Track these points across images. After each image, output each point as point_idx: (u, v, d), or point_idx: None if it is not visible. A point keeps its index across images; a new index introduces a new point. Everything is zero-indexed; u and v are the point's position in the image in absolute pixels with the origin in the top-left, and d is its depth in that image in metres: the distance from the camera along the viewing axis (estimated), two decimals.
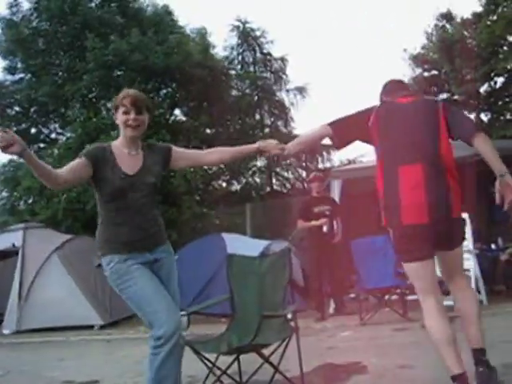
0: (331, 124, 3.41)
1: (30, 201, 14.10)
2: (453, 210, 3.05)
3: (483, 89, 19.79)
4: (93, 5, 15.30)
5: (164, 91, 16.03)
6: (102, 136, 13.03)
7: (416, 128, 3.13)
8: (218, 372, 3.49)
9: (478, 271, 6.61)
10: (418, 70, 21.61)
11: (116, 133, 13.25)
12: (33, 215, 13.16)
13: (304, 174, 20.69)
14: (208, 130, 17.61)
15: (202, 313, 4.79)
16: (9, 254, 9.94)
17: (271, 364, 3.48)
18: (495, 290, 7.30)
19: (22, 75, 15.48)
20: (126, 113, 2.99)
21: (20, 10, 15.02)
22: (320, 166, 20.43)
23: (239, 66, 20.53)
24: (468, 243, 6.76)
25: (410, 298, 7.23)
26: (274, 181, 20.67)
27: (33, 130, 15.79)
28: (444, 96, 21.14)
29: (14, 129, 15.17)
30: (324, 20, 37.78)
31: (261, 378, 3.66)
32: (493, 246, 8.03)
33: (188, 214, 13.53)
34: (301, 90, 20.64)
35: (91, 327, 8.53)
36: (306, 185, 19.32)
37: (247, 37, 20.42)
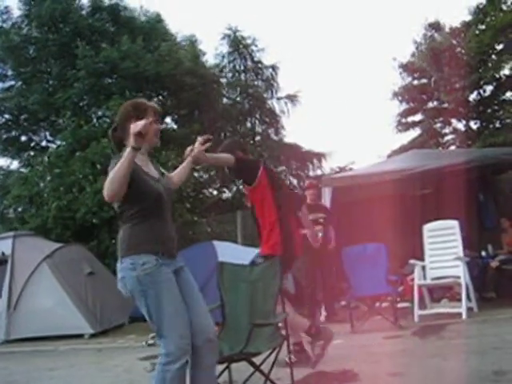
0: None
1: (20, 209, 14.02)
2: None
3: (472, 97, 19.97)
4: (84, 12, 15.31)
5: (155, 99, 16.03)
6: (93, 143, 13.00)
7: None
8: None
9: (468, 278, 6.63)
10: (408, 79, 21.76)
11: (107, 141, 13.27)
12: (22, 223, 13.08)
13: (295, 181, 20.70)
14: (199, 137, 17.59)
15: None
16: None
17: (262, 373, 3.47)
18: (485, 297, 7.33)
19: (12, 83, 15.46)
20: (155, 122, 3.07)
21: (10, 18, 15.04)
22: (311, 173, 20.45)
23: (230, 74, 20.54)
24: (458, 250, 6.79)
25: (400, 305, 7.26)
26: None
27: (23, 138, 15.74)
28: (433, 104, 21.31)
29: (4, 136, 15.14)
30: (315, 28, 38.00)
31: None
32: (483, 253, 8.06)
33: (179, 221, 13.50)
34: (292, 98, 20.68)
35: (81, 336, 8.47)
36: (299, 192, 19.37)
37: (238, 45, 20.44)
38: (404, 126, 22.07)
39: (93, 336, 8.49)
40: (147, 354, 6.15)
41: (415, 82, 21.67)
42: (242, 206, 16.99)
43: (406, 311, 7.01)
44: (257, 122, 20.86)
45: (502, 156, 8.05)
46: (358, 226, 8.34)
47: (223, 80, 19.84)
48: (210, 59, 18.80)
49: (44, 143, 16.08)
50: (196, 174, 17.01)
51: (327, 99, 36.61)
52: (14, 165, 15.66)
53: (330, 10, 37.19)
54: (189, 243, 10.23)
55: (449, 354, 4.61)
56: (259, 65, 20.71)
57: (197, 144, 3.64)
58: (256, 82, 20.75)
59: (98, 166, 12.31)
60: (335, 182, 8.73)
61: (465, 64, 18.44)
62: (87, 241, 12.00)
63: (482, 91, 19.82)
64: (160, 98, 15.95)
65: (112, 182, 2.73)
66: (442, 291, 7.48)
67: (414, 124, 22.03)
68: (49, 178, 13.43)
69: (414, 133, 21.86)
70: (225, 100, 19.57)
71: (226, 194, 19.72)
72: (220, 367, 3.61)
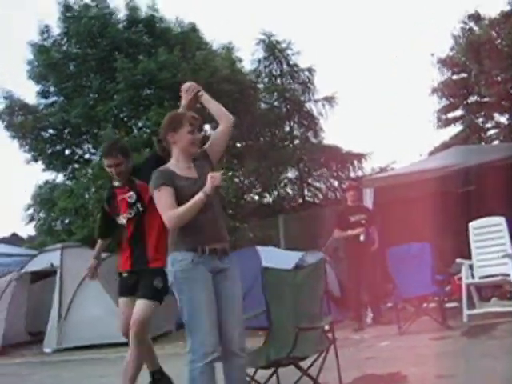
0: None
1: (67, 221, 14.35)
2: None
3: None
4: (120, 26, 15.59)
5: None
6: (135, 154, 13.19)
7: None
8: None
9: None
10: (447, 74, 21.36)
11: (148, 151, 13.47)
12: (69, 235, 13.38)
13: (336, 183, 20.58)
14: (238, 144, 17.69)
15: None
16: (47, 274, 10.13)
17: (310, 376, 3.47)
18: None
19: (54, 98, 15.82)
20: (191, 132, 3.20)
21: (51, 36, 15.39)
22: (352, 174, 20.29)
23: (266, 79, 20.59)
24: (506, 247, 6.64)
25: (448, 305, 7.13)
26: (305, 192, 20.59)
27: (67, 152, 16.08)
28: (474, 98, 20.87)
29: (49, 151, 15.52)
30: (350, 28, 37.71)
31: None
32: None
33: None
34: (329, 100, 20.58)
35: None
36: (338, 194, 19.24)
37: (273, 49, 20.48)
38: (444, 122, 21.67)
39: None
40: None
41: (455, 77, 21.24)
42: (284, 210, 17.00)
43: (455, 311, 6.88)
44: (295, 125, 20.83)
45: None
46: (400, 226, 8.24)
47: (260, 85, 19.90)
48: (246, 65, 18.88)
49: (87, 156, 16.39)
50: (237, 180, 17.11)
51: (365, 99, 36.19)
52: (60, 178, 16.03)
53: (364, 8, 36.87)
54: (232, 249, 10.28)
55: (500, 354, 4.51)
56: (295, 68, 20.70)
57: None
58: (293, 86, 20.73)
59: None
60: (376, 182, 8.64)
61: (506, 56, 18.00)
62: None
63: None
64: (197, 106, 16.08)
65: (181, 217, 2.99)
66: (491, 290, 7.31)
67: (455, 120, 21.60)
68: (93, 190, 13.71)
69: (456, 129, 21.45)
70: (262, 105, 19.61)
71: (267, 199, 19.74)
72: (267, 372, 3.63)
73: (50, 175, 16.03)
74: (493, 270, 6.73)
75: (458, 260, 6.98)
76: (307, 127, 20.74)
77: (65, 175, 16.00)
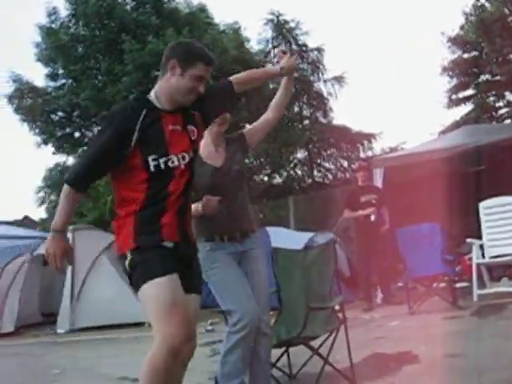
0: None
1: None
2: None
3: None
4: (128, 7, 15.53)
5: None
6: None
7: None
8: None
9: None
10: (458, 53, 21.11)
11: None
12: (81, 217, 13.49)
13: (346, 164, 20.52)
14: (247, 125, 17.65)
15: None
16: None
17: (320, 356, 3.50)
18: None
19: (63, 81, 15.86)
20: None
21: (58, 18, 15.38)
22: (361, 154, 20.22)
23: (275, 59, 20.48)
24: None
25: (459, 285, 7.14)
26: (315, 172, 20.57)
27: (77, 134, 16.16)
28: (485, 77, 20.64)
29: (59, 133, 15.58)
30: (359, 7, 37.28)
31: (310, 370, 3.68)
32: None
33: None
34: (339, 80, 20.45)
35: (142, 324, 8.68)
36: (347, 175, 19.19)
37: (282, 29, 20.33)
38: (455, 102, 21.47)
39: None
40: (207, 340, 6.26)
41: (465, 56, 20.99)
42: (294, 191, 17.01)
43: (465, 291, 6.89)
44: (304, 105, 20.75)
45: None
46: (411, 206, 8.22)
47: (268, 65, 19.79)
48: (254, 45, 18.78)
49: None
50: (247, 161, 17.10)
51: (375, 78, 36.00)
52: (70, 160, 16.12)
53: None
54: None
55: (510, 334, 4.52)
56: (304, 48, 20.55)
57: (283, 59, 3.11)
58: (302, 66, 20.59)
59: None
60: (386, 162, 8.62)
61: None
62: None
63: None
64: None
65: None
66: (502, 269, 7.30)
67: (466, 99, 21.39)
68: None
69: (466, 108, 21.25)
70: (271, 85, 19.53)
71: (277, 180, 19.74)
72: (278, 351, 3.66)
73: (60, 158, 16.13)
74: (503, 249, 6.71)
75: (469, 240, 6.96)
76: (316, 107, 20.65)
77: (75, 158, 16.08)
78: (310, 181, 20.15)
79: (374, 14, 36.81)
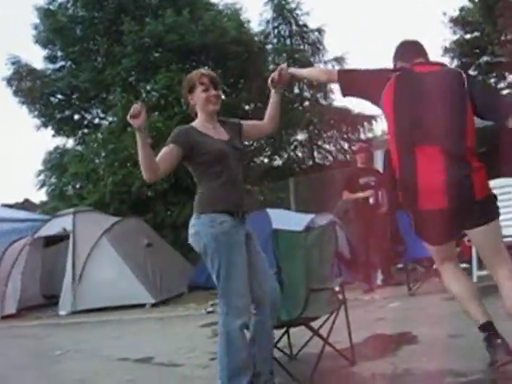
0: (341, 72, 3.32)
1: (78, 186, 14.43)
2: (476, 192, 2.92)
3: None
4: None
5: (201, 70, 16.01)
6: None
7: (439, 104, 2.91)
8: None
9: None
10: (459, 33, 20.95)
11: (157, 114, 13.39)
12: (81, 200, 13.48)
13: (346, 145, 20.46)
14: (247, 107, 17.57)
15: None
16: (61, 239, 10.25)
17: (321, 337, 3.52)
18: None
19: (62, 63, 15.71)
20: (205, 90, 3.20)
21: None
22: (362, 136, 20.15)
23: (275, 40, 20.31)
24: None
25: None
26: (315, 154, 20.51)
27: (76, 117, 16.06)
28: (487, 58, 20.50)
29: (58, 116, 15.51)
30: None
31: (311, 351, 3.71)
32: None
33: None
34: (339, 60, 20.28)
35: (143, 306, 8.74)
36: (348, 157, 19.14)
37: (282, 10, 20.13)
38: None
39: (154, 305, 8.75)
40: (207, 321, 6.32)
41: (467, 36, 20.84)
42: (294, 173, 16.98)
43: (465, 272, 6.90)
44: (305, 86, 20.62)
45: None
46: None
47: (268, 46, 19.64)
48: (254, 26, 18.60)
49: (97, 120, 16.39)
50: (246, 143, 17.06)
51: (376, 59, 35.73)
52: (70, 143, 16.06)
53: None
54: None
55: (508, 314, 4.53)
56: (304, 29, 20.36)
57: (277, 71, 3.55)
58: (302, 47, 20.44)
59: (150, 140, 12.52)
60: (387, 144, 8.59)
61: None
62: (143, 213, 12.30)
63: None
64: (206, 68, 15.94)
65: (141, 166, 2.96)
66: None
67: None
68: (103, 155, 13.75)
69: None
70: (271, 66, 19.39)
71: (277, 162, 19.71)
72: (279, 332, 3.68)
73: (60, 141, 16.07)
74: (504, 231, 6.68)
75: None
76: (317, 89, 20.52)
77: (75, 140, 16.03)
78: (310, 163, 20.10)
79: None
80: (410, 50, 3.21)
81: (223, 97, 17.46)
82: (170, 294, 9.25)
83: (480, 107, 2.91)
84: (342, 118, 19.81)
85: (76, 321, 8.38)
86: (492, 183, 6.96)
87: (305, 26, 20.35)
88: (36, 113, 15.28)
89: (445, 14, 20.79)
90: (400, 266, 7.56)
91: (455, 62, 21.10)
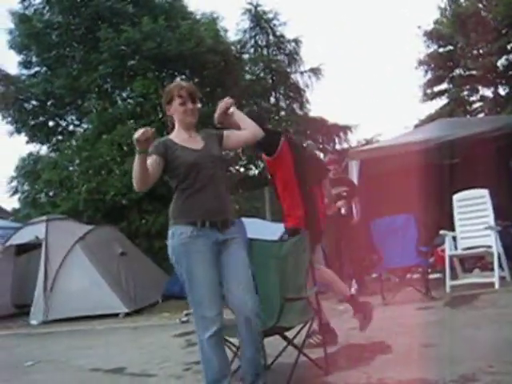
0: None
1: (51, 193, 14.25)
2: None
3: (500, 62, 19.48)
4: None
5: (178, 78, 16.00)
6: (119, 126, 13.09)
7: None
8: None
9: (501, 248, 6.56)
10: (433, 47, 21.31)
11: (132, 122, 13.32)
12: (54, 207, 13.30)
13: (322, 155, 20.60)
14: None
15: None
16: (33, 247, 10.10)
17: (295, 346, 3.51)
18: None
19: (37, 69, 15.55)
20: (183, 104, 3.25)
21: (32, 4, 15.06)
22: (337, 146, 20.33)
23: (252, 50, 20.42)
24: (489, 219, 6.71)
25: (432, 276, 7.23)
26: None
27: (51, 123, 15.88)
28: (460, 71, 20.88)
29: (32, 122, 15.32)
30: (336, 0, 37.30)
31: (285, 361, 3.70)
32: None
33: None
34: (315, 72, 20.49)
35: (116, 315, 8.65)
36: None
37: (259, 20, 20.27)
38: (430, 96, 21.69)
39: (128, 315, 8.66)
40: (181, 331, 6.26)
41: (441, 50, 21.21)
42: (270, 183, 17.02)
43: (438, 282, 6.98)
44: (281, 96, 20.75)
45: None
46: (386, 197, 8.28)
47: (245, 56, 19.73)
48: (231, 35, 18.68)
49: (71, 127, 16.23)
50: (223, 153, 17.03)
51: (351, 71, 36.13)
52: (44, 150, 15.87)
53: None
54: None
55: (482, 324, 4.59)
56: (281, 39, 20.54)
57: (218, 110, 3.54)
58: (279, 57, 20.61)
59: (125, 148, 12.43)
60: (362, 154, 8.66)
61: (492, 29, 17.98)
62: (118, 222, 12.19)
63: (510, 56, 19.31)
64: (183, 76, 15.91)
65: (134, 179, 3.00)
66: (474, 261, 7.42)
67: (441, 93, 21.64)
68: (77, 162, 13.62)
69: (441, 102, 21.51)
70: (248, 76, 19.47)
71: (253, 171, 19.75)
72: None
73: (34, 147, 15.87)
74: (476, 241, 6.82)
75: (442, 232, 7.06)
76: (293, 99, 20.67)
77: (49, 147, 15.85)
78: None
79: (351, 6, 36.96)
80: None
81: (198, 105, 17.44)
82: (143, 304, 9.17)
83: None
84: (317, 128, 19.99)
85: (47, 331, 8.24)
86: (464, 194, 7.12)
87: (282, 36, 20.53)
88: (9, 119, 15.08)
89: (419, 27, 21.15)
90: (374, 275, 7.60)
91: (429, 75, 21.46)
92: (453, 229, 7.04)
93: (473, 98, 21.33)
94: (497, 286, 6.23)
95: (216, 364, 3.00)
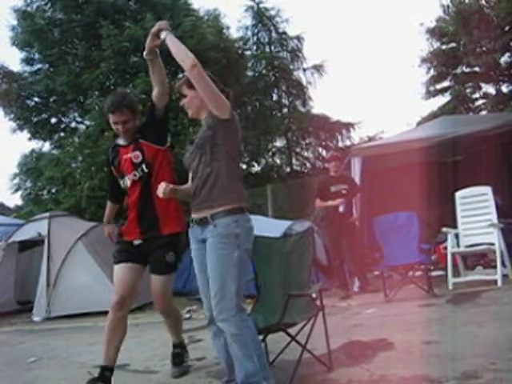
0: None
1: (54, 190, 14.27)
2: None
3: (503, 59, 19.41)
4: None
5: (180, 75, 15.98)
6: None
7: None
8: None
9: (503, 245, 6.56)
10: (436, 44, 21.23)
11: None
12: (57, 204, 13.33)
13: (324, 152, 20.58)
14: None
15: None
16: (35, 243, 10.11)
17: (298, 343, 3.52)
18: None
19: (39, 66, 15.55)
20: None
21: (34, 1, 15.04)
22: (340, 144, 20.29)
23: (254, 47, 20.37)
24: (491, 217, 6.71)
25: (434, 273, 7.23)
26: (294, 161, 20.60)
27: (53, 120, 15.89)
28: (463, 69, 20.81)
29: (35, 119, 15.33)
30: None
31: (288, 358, 3.70)
32: None
33: None
34: (318, 68, 20.44)
35: None
36: (326, 164, 19.25)
37: (262, 17, 20.22)
38: (433, 93, 21.64)
39: (130, 311, 8.64)
40: (184, 327, 6.26)
41: (443, 47, 21.13)
42: (272, 179, 17.03)
43: (440, 279, 6.98)
44: (283, 94, 20.71)
45: None
46: (389, 195, 8.29)
47: (248, 53, 19.69)
48: (233, 32, 18.65)
49: (74, 124, 16.23)
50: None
51: (354, 68, 36.09)
52: (46, 147, 15.88)
53: None
54: None
55: (484, 321, 4.59)
56: (284, 36, 20.48)
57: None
58: (281, 54, 20.55)
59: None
60: (364, 151, 8.66)
61: (495, 26, 17.92)
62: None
63: None
64: (185, 74, 15.83)
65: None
66: (476, 258, 7.42)
67: (444, 90, 21.57)
68: (80, 159, 13.63)
69: (444, 99, 21.44)
70: (250, 73, 19.44)
71: (255, 168, 19.75)
72: None
73: (36, 144, 15.89)
74: (478, 239, 6.82)
75: (444, 229, 7.05)
76: (296, 96, 20.62)
77: (51, 144, 15.86)
78: (288, 169, 20.18)
79: (353, 3, 36.88)
80: None
81: None
82: (146, 300, 9.15)
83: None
84: (320, 126, 19.95)
85: (50, 327, 8.25)
86: (466, 191, 7.12)
87: (284, 33, 20.47)
88: (12, 115, 15.08)
89: (422, 24, 21.07)
90: (376, 272, 7.61)
91: (431, 72, 21.39)
92: (455, 226, 7.04)
93: (476, 96, 21.26)
94: (499, 283, 6.22)
95: (222, 361, 3.20)
